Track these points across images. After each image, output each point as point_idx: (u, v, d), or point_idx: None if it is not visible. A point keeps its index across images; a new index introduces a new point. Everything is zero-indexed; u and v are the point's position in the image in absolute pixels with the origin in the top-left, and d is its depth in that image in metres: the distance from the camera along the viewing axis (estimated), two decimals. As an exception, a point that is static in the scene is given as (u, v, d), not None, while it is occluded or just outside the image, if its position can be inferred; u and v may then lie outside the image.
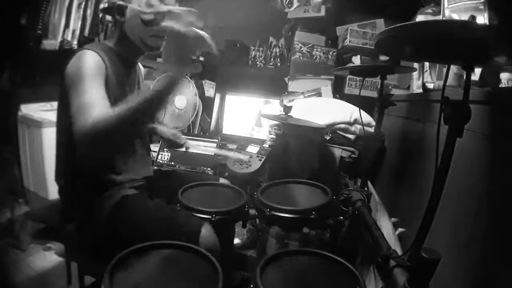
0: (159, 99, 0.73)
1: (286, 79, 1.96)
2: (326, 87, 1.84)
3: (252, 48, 2.12)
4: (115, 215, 0.92)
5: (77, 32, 2.01)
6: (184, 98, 1.93)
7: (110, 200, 0.94)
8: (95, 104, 0.74)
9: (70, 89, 0.81)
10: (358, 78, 1.77)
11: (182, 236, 0.76)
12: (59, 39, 1.95)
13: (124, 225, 0.90)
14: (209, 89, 2.21)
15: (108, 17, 2.04)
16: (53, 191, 0.99)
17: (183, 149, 1.30)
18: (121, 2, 0.91)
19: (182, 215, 0.90)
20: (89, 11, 2.03)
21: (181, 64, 0.76)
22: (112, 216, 0.92)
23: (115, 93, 0.92)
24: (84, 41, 2.01)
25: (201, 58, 2.20)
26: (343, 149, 1.47)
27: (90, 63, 0.83)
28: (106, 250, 0.71)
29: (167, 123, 1.90)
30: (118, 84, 0.94)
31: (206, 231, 0.85)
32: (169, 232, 0.80)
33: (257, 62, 2.10)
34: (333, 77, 1.86)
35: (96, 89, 0.79)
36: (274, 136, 1.52)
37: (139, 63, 1.12)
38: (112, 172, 0.98)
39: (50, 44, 1.93)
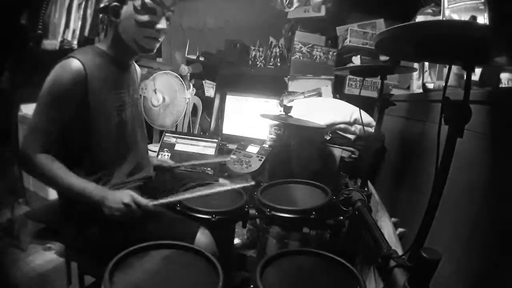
0: (77, 197, 0.86)
1: (286, 79, 1.96)
2: (326, 87, 1.84)
3: (252, 48, 2.11)
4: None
5: (77, 32, 2.01)
6: (160, 94, 1.89)
7: None
8: (41, 136, 0.85)
9: (39, 96, 0.87)
10: (358, 78, 1.77)
11: (177, 239, 0.76)
12: (59, 39, 1.95)
13: (121, 225, 0.90)
14: (209, 89, 2.21)
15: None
16: (53, 191, 0.99)
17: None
18: (116, 3, 0.91)
19: (178, 220, 0.90)
20: (89, 11, 2.03)
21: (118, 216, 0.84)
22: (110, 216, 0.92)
23: (105, 97, 0.93)
24: (84, 41, 2.02)
25: (201, 58, 2.20)
26: (343, 149, 1.46)
27: (65, 82, 0.85)
28: (106, 250, 0.71)
29: (149, 120, 1.87)
30: (109, 87, 0.94)
31: (202, 235, 0.85)
32: (165, 234, 0.80)
33: (257, 62, 2.10)
34: (333, 77, 1.86)
35: (50, 120, 0.86)
36: (274, 136, 1.52)
37: (134, 63, 1.12)
38: (110, 172, 0.98)
39: (50, 44, 1.93)
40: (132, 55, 1.02)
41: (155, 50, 0.99)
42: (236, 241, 1.43)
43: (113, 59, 0.97)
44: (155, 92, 1.88)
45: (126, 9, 0.91)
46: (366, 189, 1.12)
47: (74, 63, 0.86)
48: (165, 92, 1.87)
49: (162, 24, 0.95)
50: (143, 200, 0.85)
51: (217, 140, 1.74)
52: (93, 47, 0.96)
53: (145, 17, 0.91)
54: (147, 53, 0.99)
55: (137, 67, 1.18)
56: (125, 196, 0.84)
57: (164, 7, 0.94)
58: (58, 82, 0.85)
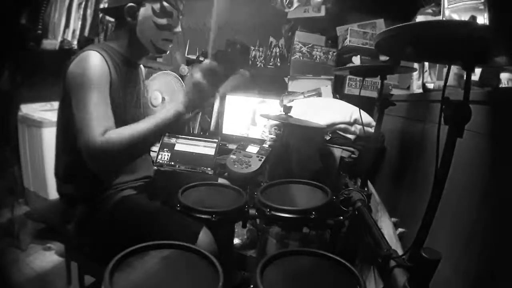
0: (166, 127, 0.83)
1: (286, 79, 1.96)
2: (326, 87, 1.84)
3: (252, 48, 2.11)
4: (114, 216, 0.92)
5: (77, 32, 2.01)
6: (159, 94, 1.88)
7: (109, 201, 0.94)
8: (99, 122, 0.78)
9: (74, 96, 0.81)
10: (358, 78, 1.77)
11: (179, 239, 0.76)
12: (59, 39, 1.95)
13: (122, 226, 0.90)
14: (209, 89, 2.20)
15: (109, 17, 2.04)
16: (53, 191, 0.99)
17: None
18: (133, 4, 0.91)
19: (180, 219, 0.89)
20: (89, 11, 2.03)
21: (198, 105, 0.88)
22: (111, 216, 0.92)
23: (118, 94, 0.93)
24: (84, 41, 2.01)
25: (201, 58, 2.20)
26: (343, 149, 1.46)
27: (95, 69, 0.82)
28: (106, 250, 0.71)
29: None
30: (121, 85, 0.94)
31: (204, 236, 0.85)
32: (167, 234, 0.80)
33: (257, 62, 2.10)
34: (333, 77, 1.86)
35: (100, 104, 0.81)
36: (274, 136, 1.52)
37: (140, 64, 1.12)
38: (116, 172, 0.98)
39: (50, 44, 1.93)
40: (143, 55, 1.03)
41: (167, 52, 1.01)
42: (236, 241, 1.43)
43: (125, 58, 0.97)
44: (155, 92, 1.88)
45: (144, 11, 0.92)
46: (366, 189, 1.12)
47: (97, 54, 0.85)
48: (165, 92, 1.87)
49: (178, 28, 0.99)
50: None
51: (217, 140, 1.74)
52: (105, 45, 0.96)
53: (163, 20, 0.94)
54: (161, 53, 1.01)
55: (143, 68, 1.18)
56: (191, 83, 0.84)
57: (179, 11, 0.97)
58: (90, 67, 0.82)
